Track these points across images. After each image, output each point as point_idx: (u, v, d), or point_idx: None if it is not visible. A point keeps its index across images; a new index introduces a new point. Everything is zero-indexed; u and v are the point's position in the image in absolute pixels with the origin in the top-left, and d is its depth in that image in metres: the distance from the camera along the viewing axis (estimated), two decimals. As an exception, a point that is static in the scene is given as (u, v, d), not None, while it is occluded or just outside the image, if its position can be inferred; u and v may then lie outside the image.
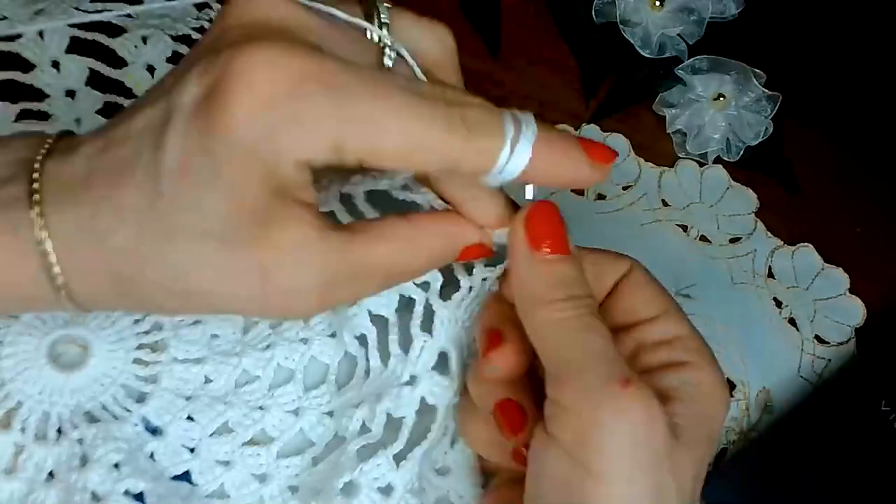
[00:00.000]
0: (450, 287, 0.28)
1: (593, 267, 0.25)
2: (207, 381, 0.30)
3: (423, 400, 0.29)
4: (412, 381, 0.29)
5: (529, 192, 0.24)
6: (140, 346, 0.30)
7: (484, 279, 0.28)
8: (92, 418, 0.28)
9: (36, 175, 0.21)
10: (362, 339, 0.30)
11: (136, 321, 0.30)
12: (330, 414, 0.30)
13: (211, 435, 0.29)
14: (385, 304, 0.29)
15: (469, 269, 0.28)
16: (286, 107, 0.19)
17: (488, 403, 0.25)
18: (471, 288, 0.28)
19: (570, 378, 0.22)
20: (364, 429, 0.28)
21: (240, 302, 0.21)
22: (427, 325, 0.29)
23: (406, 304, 0.29)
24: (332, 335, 0.31)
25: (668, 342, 0.25)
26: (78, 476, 0.27)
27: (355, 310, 0.29)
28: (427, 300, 0.29)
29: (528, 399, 0.25)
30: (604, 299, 0.26)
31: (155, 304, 0.22)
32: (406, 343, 0.29)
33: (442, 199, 0.25)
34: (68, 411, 0.28)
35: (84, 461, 0.27)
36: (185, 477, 0.29)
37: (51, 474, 0.27)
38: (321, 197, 0.26)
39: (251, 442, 0.29)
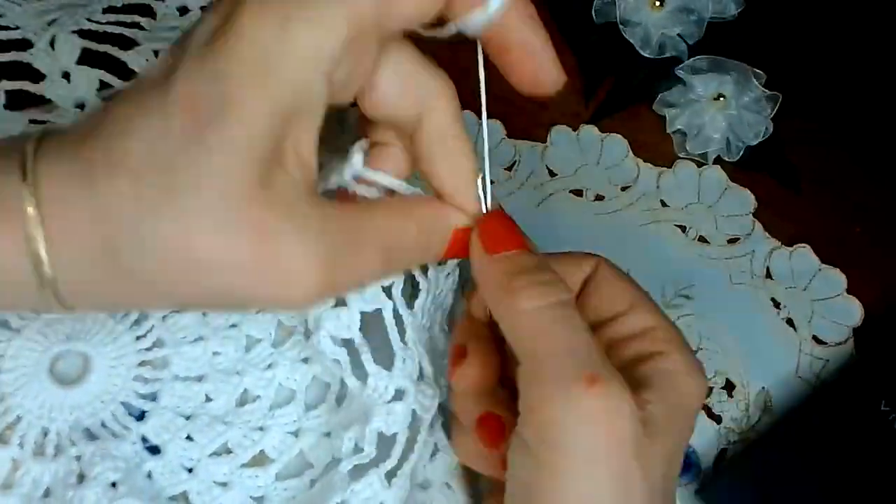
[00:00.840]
0: (413, 295, 0.28)
1: (558, 269, 0.25)
2: (208, 399, 0.30)
3: (413, 413, 0.28)
4: (399, 395, 0.28)
5: (484, 201, 0.25)
6: (141, 363, 0.30)
7: (447, 275, 0.28)
8: (91, 435, 0.28)
9: (30, 148, 0.20)
10: (336, 362, 0.29)
11: (139, 337, 0.30)
12: (328, 435, 0.29)
13: (210, 455, 0.29)
14: (345, 324, 0.28)
15: (424, 271, 0.28)
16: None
17: (470, 418, 0.25)
18: (428, 290, 0.28)
19: (535, 375, 0.22)
20: (357, 448, 0.28)
21: (236, 275, 0.20)
22: (402, 336, 0.28)
23: (369, 320, 0.28)
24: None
25: (639, 334, 0.25)
26: (74, 494, 0.26)
27: (316, 336, 0.28)
28: (395, 308, 0.28)
29: (508, 410, 0.25)
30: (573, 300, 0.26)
31: (145, 284, 0.20)
32: (385, 359, 0.28)
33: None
34: (67, 427, 0.28)
35: (81, 479, 0.27)
36: (183, 498, 0.28)
37: (47, 491, 0.27)
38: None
39: (250, 463, 0.29)
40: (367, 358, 0.28)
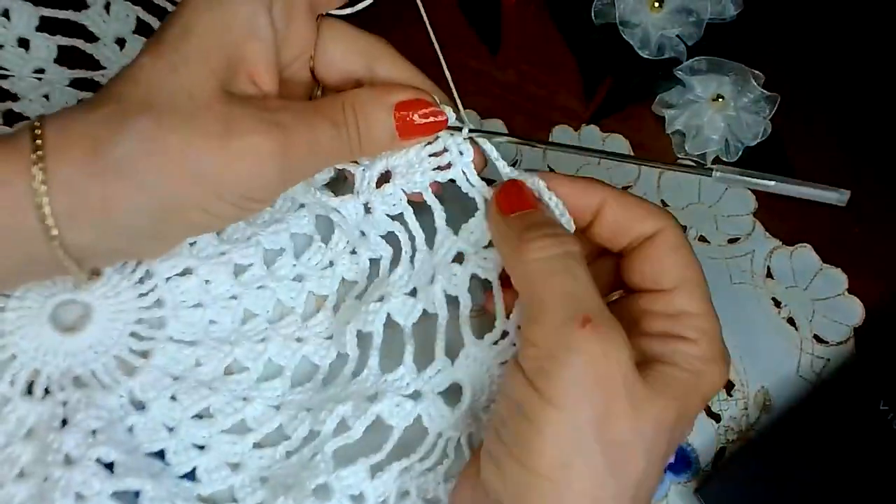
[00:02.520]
0: (484, 326, 0.29)
1: (623, 211, 0.27)
2: (198, 364, 0.30)
3: (419, 418, 0.28)
4: (415, 396, 0.29)
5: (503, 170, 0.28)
6: (139, 321, 0.30)
7: (519, 326, 0.28)
8: (80, 383, 0.29)
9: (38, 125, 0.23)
10: (366, 338, 0.30)
11: (141, 295, 0.31)
12: (308, 410, 0.30)
13: (192, 417, 0.29)
14: (405, 311, 0.29)
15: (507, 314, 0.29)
16: None
17: None
18: (504, 332, 0.29)
19: (538, 316, 0.24)
20: (342, 426, 0.28)
21: (207, 158, 0.23)
22: (452, 352, 0.29)
23: (425, 319, 0.30)
24: (329, 337, 0.31)
25: (673, 316, 0.26)
26: (55, 437, 0.27)
27: (374, 307, 0.29)
28: (449, 325, 0.29)
29: None
30: (626, 252, 0.27)
31: (131, 180, 0.23)
32: (423, 359, 0.29)
33: None
34: (58, 372, 0.29)
35: (64, 423, 0.28)
36: (160, 455, 0.29)
37: (30, 431, 0.28)
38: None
39: (230, 430, 0.29)
40: (409, 350, 0.29)
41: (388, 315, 0.29)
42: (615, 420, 0.23)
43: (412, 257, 0.30)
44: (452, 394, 0.29)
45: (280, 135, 0.24)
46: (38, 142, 0.22)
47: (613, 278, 0.28)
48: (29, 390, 0.28)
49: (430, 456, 0.29)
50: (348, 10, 0.27)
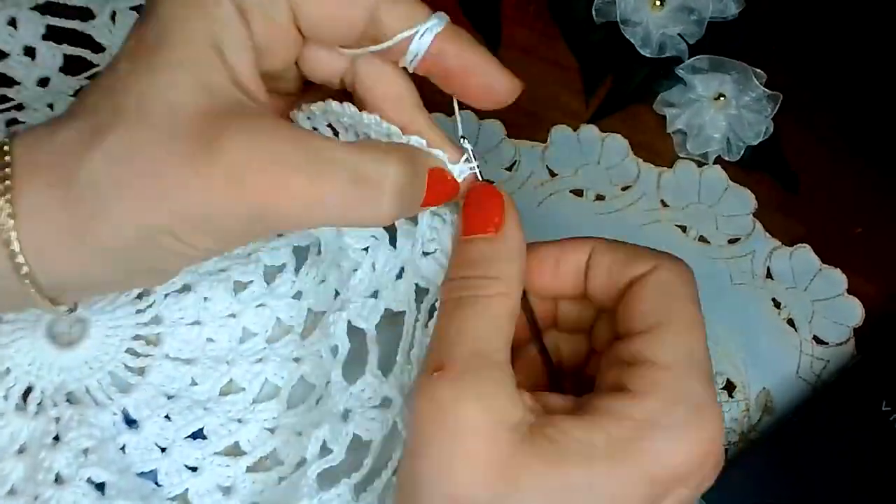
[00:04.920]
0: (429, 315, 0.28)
1: (612, 257, 0.24)
2: (193, 383, 0.30)
3: (394, 425, 0.28)
4: (386, 403, 0.28)
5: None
6: (136, 337, 0.30)
7: None
8: (73, 399, 0.29)
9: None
10: (334, 350, 0.29)
11: (139, 311, 0.30)
12: (299, 434, 0.29)
13: (185, 438, 0.29)
14: (365, 315, 0.28)
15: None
16: None
17: None
18: None
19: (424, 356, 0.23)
20: (325, 450, 0.28)
21: (185, 178, 0.20)
22: (410, 349, 0.28)
23: (391, 319, 0.28)
24: (322, 355, 0.31)
25: (632, 363, 0.22)
26: (46, 454, 0.27)
27: (334, 317, 0.28)
28: (416, 319, 0.28)
29: None
30: (618, 300, 0.24)
31: (102, 209, 0.20)
32: (386, 365, 0.28)
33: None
34: (52, 387, 0.28)
35: (56, 440, 0.27)
36: (151, 475, 0.29)
37: (22, 447, 0.27)
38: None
39: (223, 452, 0.29)
40: (372, 358, 0.28)
41: (349, 322, 0.28)
42: (460, 476, 0.20)
43: (374, 263, 0.28)
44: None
45: (266, 168, 0.20)
46: (7, 170, 0.20)
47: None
48: (22, 405, 0.28)
49: None
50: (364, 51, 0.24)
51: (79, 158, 0.20)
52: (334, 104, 0.24)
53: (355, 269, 0.28)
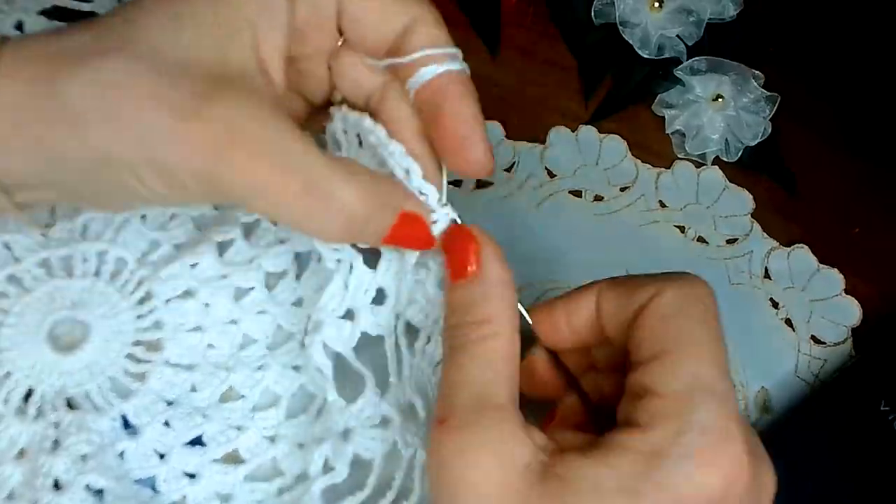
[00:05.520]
0: (411, 334, 0.28)
1: (618, 291, 0.23)
2: (193, 389, 0.30)
3: (395, 444, 0.28)
4: (385, 422, 0.28)
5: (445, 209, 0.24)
6: (137, 343, 0.30)
7: (437, 321, 0.27)
8: (72, 404, 0.28)
9: None
10: (319, 371, 0.28)
11: (140, 316, 0.30)
12: (301, 446, 0.29)
13: (184, 445, 0.29)
14: (342, 338, 0.27)
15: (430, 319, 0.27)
16: None
17: None
18: (429, 336, 0.27)
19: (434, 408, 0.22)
20: (328, 467, 0.28)
21: (165, 129, 0.20)
22: (400, 370, 0.28)
23: (367, 342, 0.28)
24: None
25: (636, 395, 0.21)
26: (45, 460, 0.27)
27: (309, 339, 0.27)
28: (396, 342, 0.27)
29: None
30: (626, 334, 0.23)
31: (77, 116, 0.20)
32: (382, 385, 0.28)
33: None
34: (52, 392, 0.28)
35: (55, 446, 0.27)
36: (150, 482, 0.28)
37: (21, 451, 0.27)
38: None
39: (222, 459, 0.29)
40: (370, 378, 0.28)
41: (325, 343, 0.28)
42: None
43: (346, 282, 0.27)
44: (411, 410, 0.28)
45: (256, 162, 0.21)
46: None
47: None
48: (22, 409, 0.28)
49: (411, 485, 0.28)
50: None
51: (68, 70, 0.20)
52: (368, 121, 0.24)
53: (325, 288, 0.27)
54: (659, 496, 0.19)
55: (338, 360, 0.28)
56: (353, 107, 0.25)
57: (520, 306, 0.24)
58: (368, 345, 0.28)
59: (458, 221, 0.25)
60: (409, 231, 0.23)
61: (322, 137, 0.27)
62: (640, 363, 0.21)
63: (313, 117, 0.27)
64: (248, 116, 0.21)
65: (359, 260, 0.26)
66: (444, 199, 0.24)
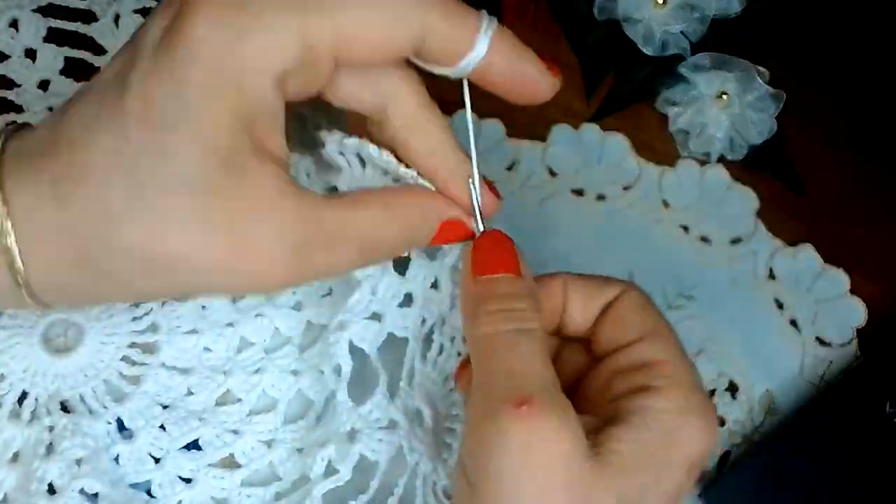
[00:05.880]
0: (426, 344, 0.28)
1: (584, 285, 0.25)
2: (189, 393, 0.29)
3: (400, 448, 0.28)
4: (393, 425, 0.28)
5: (480, 225, 0.25)
6: (132, 345, 0.29)
7: (452, 338, 0.28)
8: (67, 408, 0.28)
9: None
10: (337, 370, 0.29)
11: (135, 318, 0.30)
12: (300, 451, 0.29)
13: (179, 449, 0.29)
14: (368, 338, 0.28)
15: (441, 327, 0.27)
16: (248, 8, 0.19)
17: None
18: (441, 346, 0.28)
19: (474, 397, 0.22)
20: (331, 469, 0.28)
21: (208, 266, 0.20)
22: (411, 379, 0.28)
23: (390, 340, 0.28)
24: (323, 371, 0.30)
25: (639, 366, 0.23)
26: (39, 464, 0.26)
27: (335, 337, 0.28)
28: (413, 350, 0.28)
29: None
30: (593, 326, 0.25)
31: (120, 284, 0.21)
32: (392, 388, 0.28)
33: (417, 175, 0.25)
34: (46, 395, 0.28)
35: (49, 450, 0.27)
36: (145, 486, 0.28)
37: (15, 455, 0.27)
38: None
39: (218, 464, 0.29)
40: (382, 379, 0.28)
41: (351, 342, 0.28)
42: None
43: (373, 287, 0.28)
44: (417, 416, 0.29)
45: (295, 257, 0.21)
46: (5, 223, 0.20)
47: (583, 359, 0.26)
48: (16, 412, 0.28)
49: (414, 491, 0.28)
50: None
51: (98, 234, 0.20)
52: (371, 148, 0.24)
53: (354, 290, 0.28)
54: (684, 449, 0.22)
55: (359, 358, 0.28)
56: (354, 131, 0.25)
57: None
58: (385, 347, 0.28)
59: (481, 225, 0.25)
60: (451, 234, 0.24)
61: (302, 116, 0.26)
62: (630, 342, 0.24)
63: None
64: (280, 222, 0.21)
65: (389, 266, 0.27)
66: (478, 197, 0.25)
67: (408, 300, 0.28)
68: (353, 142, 0.24)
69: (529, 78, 0.23)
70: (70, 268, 0.20)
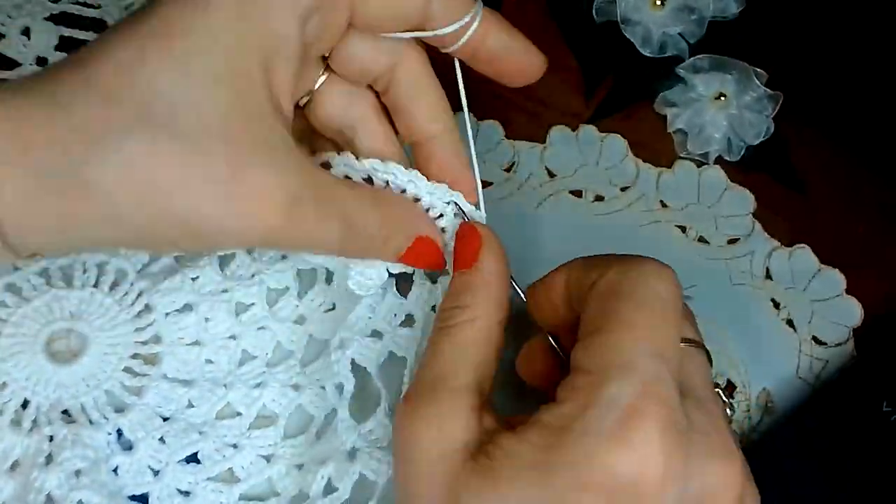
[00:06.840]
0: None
1: (574, 275, 0.25)
2: (190, 405, 0.29)
3: None
4: (392, 446, 0.28)
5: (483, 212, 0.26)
6: (134, 356, 0.29)
7: None
8: (68, 418, 0.28)
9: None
10: (339, 388, 0.29)
11: (138, 329, 0.30)
12: (300, 467, 0.29)
13: (178, 462, 0.28)
14: (370, 356, 0.29)
15: None
16: None
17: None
18: None
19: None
20: (330, 487, 0.28)
21: (205, 198, 0.19)
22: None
23: (391, 359, 0.29)
24: (324, 387, 0.30)
25: (575, 371, 0.21)
26: (38, 474, 0.26)
27: (337, 355, 0.28)
28: (412, 369, 0.28)
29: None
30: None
31: (105, 203, 0.19)
32: (394, 408, 0.28)
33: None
34: (48, 404, 0.28)
35: (49, 460, 0.27)
36: (143, 499, 0.28)
37: (15, 464, 0.27)
38: None
39: (216, 478, 0.29)
40: (384, 399, 0.29)
41: (353, 360, 0.29)
42: (415, 497, 0.21)
43: (373, 306, 0.29)
44: None
45: (288, 206, 0.21)
46: None
47: None
48: (17, 420, 0.28)
49: None
50: None
51: (86, 151, 0.18)
52: (377, 163, 0.25)
53: (355, 306, 0.29)
54: (566, 473, 0.19)
55: (359, 374, 0.29)
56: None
57: (519, 291, 0.26)
58: (386, 366, 0.29)
59: (467, 219, 0.26)
60: (423, 254, 0.25)
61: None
62: (578, 340, 0.22)
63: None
64: (283, 171, 0.21)
65: (392, 287, 0.28)
66: (481, 198, 0.26)
67: (409, 321, 0.28)
68: (362, 164, 0.25)
69: (519, 54, 0.25)
70: (46, 182, 0.18)
